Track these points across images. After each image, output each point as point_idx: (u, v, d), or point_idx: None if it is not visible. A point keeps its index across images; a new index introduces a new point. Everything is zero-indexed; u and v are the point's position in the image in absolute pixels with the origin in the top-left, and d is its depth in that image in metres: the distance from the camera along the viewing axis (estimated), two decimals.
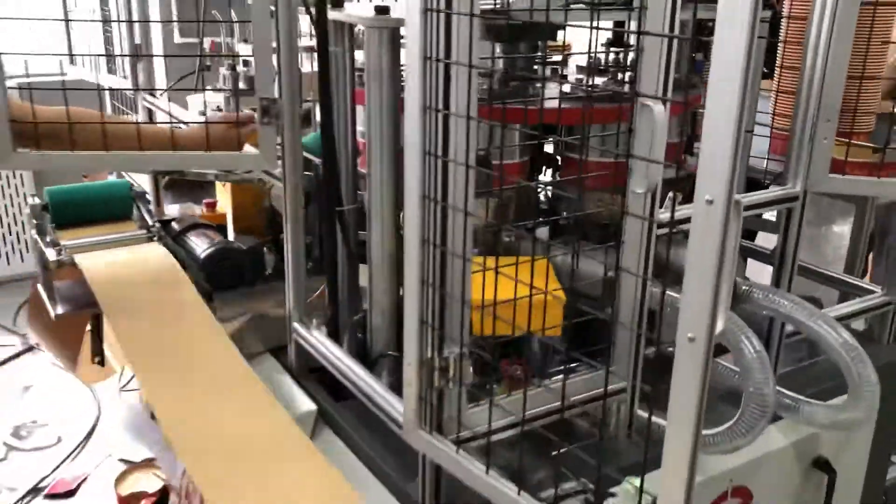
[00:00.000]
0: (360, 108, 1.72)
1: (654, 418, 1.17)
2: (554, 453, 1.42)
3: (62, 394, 3.45)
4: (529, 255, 1.20)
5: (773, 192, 1.64)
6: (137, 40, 2.57)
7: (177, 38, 3.39)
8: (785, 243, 1.67)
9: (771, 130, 2.18)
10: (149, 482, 2.78)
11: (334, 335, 1.74)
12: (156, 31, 3.04)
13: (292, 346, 1.79)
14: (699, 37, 1.95)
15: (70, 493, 2.87)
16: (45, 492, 2.86)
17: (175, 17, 3.37)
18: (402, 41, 1.54)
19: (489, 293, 1.21)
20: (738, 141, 0.81)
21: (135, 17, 2.55)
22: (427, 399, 1.27)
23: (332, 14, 1.62)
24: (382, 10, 1.51)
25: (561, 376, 1.43)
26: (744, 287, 1.61)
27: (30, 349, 3.87)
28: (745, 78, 0.78)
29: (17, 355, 3.82)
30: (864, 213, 2.13)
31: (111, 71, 2.85)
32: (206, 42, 2.89)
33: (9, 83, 1.58)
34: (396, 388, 1.55)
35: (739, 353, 1.46)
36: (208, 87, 2.43)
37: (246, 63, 2.67)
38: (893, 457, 2.74)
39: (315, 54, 1.65)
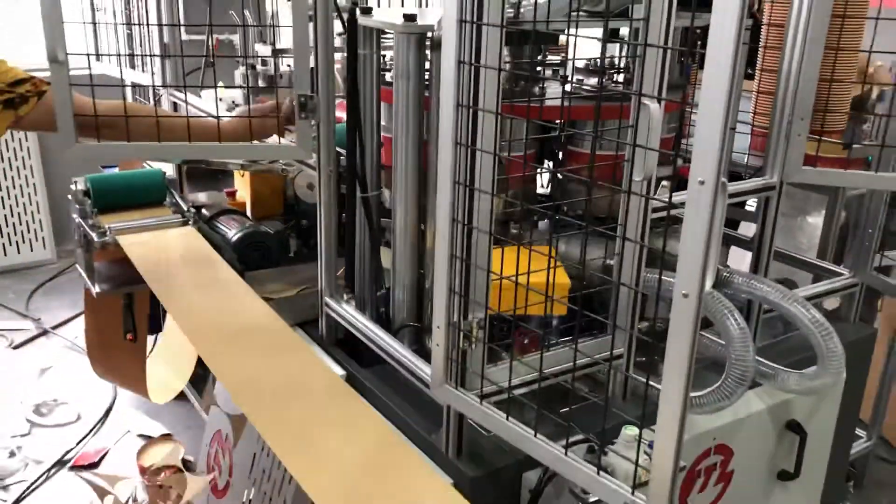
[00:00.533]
0: (382, 105, 1.91)
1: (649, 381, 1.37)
2: (563, 410, 1.64)
3: (79, 374, 3.63)
4: (536, 243, 1.39)
5: (753, 182, 1.85)
6: (166, 39, 2.74)
7: (184, 36, 3.56)
8: (763, 229, 1.87)
9: (752, 128, 2.39)
10: (169, 455, 2.97)
11: (359, 309, 1.93)
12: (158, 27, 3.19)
13: (323, 318, 1.98)
14: (693, 48, 2.15)
15: (94, 465, 3.05)
16: (70, 464, 3.04)
17: (182, 15, 3.53)
18: (426, 45, 1.73)
19: (506, 276, 1.41)
20: (726, 131, 1.00)
21: (163, 15, 2.72)
22: (453, 358, 1.47)
23: (362, 20, 1.81)
24: (410, 18, 1.70)
25: (569, 343, 1.63)
26: (725, 273, 1.82)
27: (44, 333, 4.04)
28: (733, 78, 0.97)
29: (33, 338, 3.99)
30: (836, 205, 2.34)
31: (133, 66, 3.01)
32: (213, 40, 3.07)
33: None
34: (419, 353, 1.75)
35: (724, 327, 1.67)
36: (237, 85, 2.60)
37: (264, 62, 2.86)
38: (860, 430, 2.98)
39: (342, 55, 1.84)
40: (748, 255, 2.14)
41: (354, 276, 1.97)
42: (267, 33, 2.84)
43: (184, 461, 2.93)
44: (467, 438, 1.60)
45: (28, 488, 2.89)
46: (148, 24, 2.72)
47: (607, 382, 1.71)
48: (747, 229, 2.59)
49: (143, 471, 2.92)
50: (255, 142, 1.86)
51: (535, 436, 1.36)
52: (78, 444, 3.16)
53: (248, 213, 2.65)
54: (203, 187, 2.89)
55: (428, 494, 1.33)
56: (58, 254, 4.84)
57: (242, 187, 2.76)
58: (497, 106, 1.32)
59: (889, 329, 2.84)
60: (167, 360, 2.94)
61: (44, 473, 2.97)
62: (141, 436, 3.18)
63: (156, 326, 2.75)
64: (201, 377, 3.23)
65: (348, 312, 1.89)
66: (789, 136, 1.78)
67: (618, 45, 2.10)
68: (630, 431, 1.46)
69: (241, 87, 2.80)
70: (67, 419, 3.33)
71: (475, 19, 1.30)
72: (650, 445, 1.25)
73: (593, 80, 2.04)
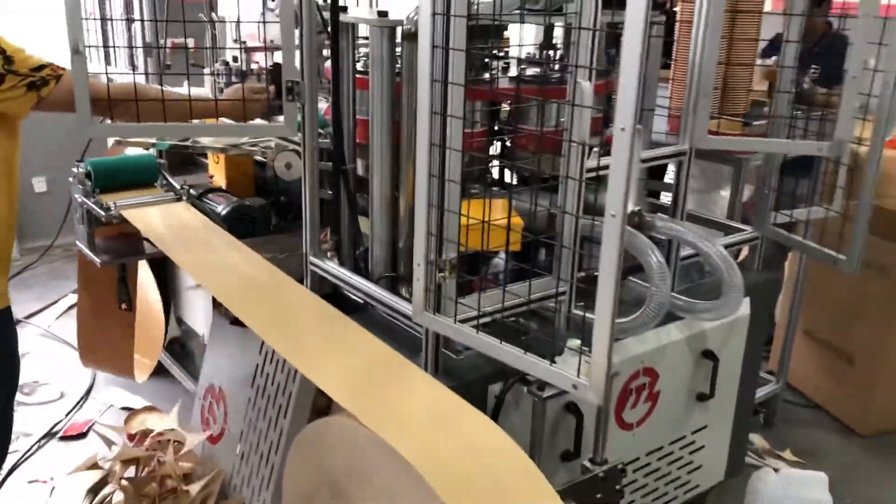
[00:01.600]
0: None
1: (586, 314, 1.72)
2: (524, 338, 1.98)
3: (57, 359, 3.85)
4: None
5: (669, 148, 2.24)
6: (148, 38, 3.02)
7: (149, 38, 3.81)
8: (678, 187, 2.26)
9: (668, 112, 2.79)
10: (154, 422, 3.22)
11: (341, 265, 2.25)
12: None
13: (308, 276, 2.29)
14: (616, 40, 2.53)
15: (82, 436, 3.28)
16: (59, 435, 3.27)
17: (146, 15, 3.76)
18: (396, 38, 2.06)
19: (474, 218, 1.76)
20: (639, 91, 1.37)
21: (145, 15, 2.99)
22: (431, 290, 1.80)
23: (343, 17, 2.13)
24: (383, 14, 2.03)
25: (525, 282, 1.98)
26: (648, 218, 2.19)
27: (17, 322, 4.20)
28: (644, 43, 1.33)
29: None
30: (740, 173, 2.76)
31: (108, 62, 3.28)
32: (170, 42, 3.34)
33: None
34: (398, 296, 2.07)
35: (646, 262, 2.03)
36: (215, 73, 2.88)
37: (235, 59, 3.15)
38: (769, 376, 3.43)
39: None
40: None
41: (339, 239, 2.29)
42: (237, 32, 3.12)
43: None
44: (441, 361, 1.94)
45: (21, 457, 3.10)
46: (134, 22, 2.98)
47: (553, 314, 2.06)
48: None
49: (130, 437, 3.16)
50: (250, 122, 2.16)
51: (501, 343, 1.70)
52: (66, 416, 3.38)
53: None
54: (182, 173, 3.16)
55: (420, 386, 1.65)
56: (21, 252, 5.00)
57: (217, 172, 3.05)
58: (465, 80, 1.66)
59: (792, 282, 3.29)
60: (138, 342, 3.19)
61: (35, 444, 3.19)
62: (124, 408, 3.41)
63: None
64: (182, 354, 3.50)
65: (332, 267, 2.20)
66: (696, 110, 2.18)
67: (554, 37, 2.47)
68: (574, 342, 1.82)
69: (223, 73, 3.07)
70: (51, 397, 3.54)
71: (445, 12, 1.64)
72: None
73: (534, 69, 2.41)
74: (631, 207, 1.45)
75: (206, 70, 3.28)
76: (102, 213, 2.38)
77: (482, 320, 1.84)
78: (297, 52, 2.10)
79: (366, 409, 1.56)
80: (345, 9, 2.16)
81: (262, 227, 2.57)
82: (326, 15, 2.13)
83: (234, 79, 3.05)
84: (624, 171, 1.40)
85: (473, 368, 1.95)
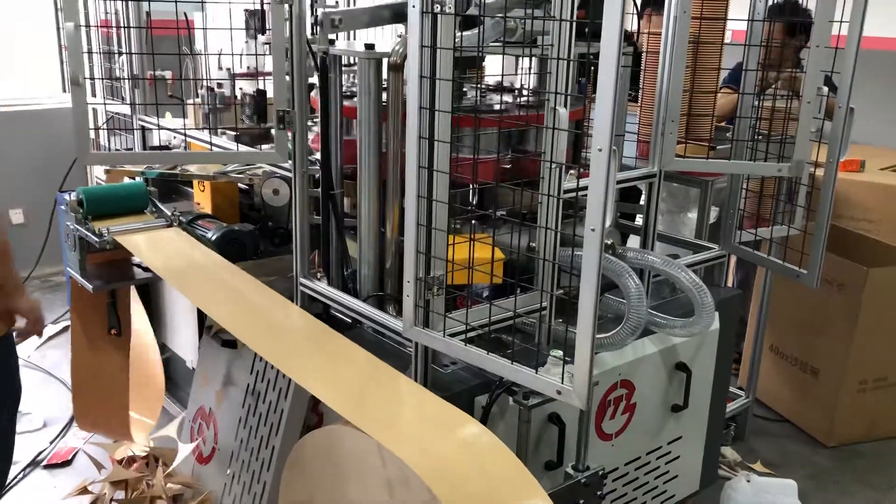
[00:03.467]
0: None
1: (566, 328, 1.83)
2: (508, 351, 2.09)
3: (39, 387, 3.86)
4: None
5: (640, 170, 2.37)
6: (135, 70, 3.11)
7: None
8: (648, 207, 2.39)
9: (637, 138, 2.94)
10: (138, 448, 3.25)
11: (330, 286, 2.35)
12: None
13: (298, 296, 2.37)
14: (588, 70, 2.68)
15: (66, 463, 3.30)
16: (44, 463, 3.28)
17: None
18: (383, 69, 2.18)
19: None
20: (615, 111, 1.49)
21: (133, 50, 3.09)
22: (420, 305, 1.90)
23: (333, 49, 2.24)
24: (370, 47, 2.15)
25: (508, 298, 2.08)
26: (621, 250, 2.32)
27: None
28: (618, 73, 1.46)
29: None
30: (706, 195, 2.91)
31: (113, 95, 3.37)
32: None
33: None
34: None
35: (624, 285, 2.16)
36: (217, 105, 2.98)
37: (220, 85, 3.26)
38: (739, 391, 3.56)
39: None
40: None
41: (328, 261, 2.38)
42: (222, 60, 3.23)
43: (150, 454, 3.21)
44: (430, 374, 2.03)
45: (6, 487, 3.11)
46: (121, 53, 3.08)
47: (536, 333, 2.17)
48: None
49: (114, 463, 3.18)
50: (241, 149, 2.26)
51: (487, 354, 1.80)
52: (50, 444, 3.39)
53: None
54: (167, 201, 3.24)
55: (410, 395, 1.75)
56: None
57: (203, 199, 3.13)
58: (451, 106, 1.78)
59: (759, 298, 3.43)
60: (135, 398, 3.17)
61: (20, 472, 3.20)
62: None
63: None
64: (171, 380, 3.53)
65: (322, 288, 2.29)
66: (664, 134, 2.32)
67: (528, 69, 2.61)
68: (557, 353, 1.93)
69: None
70: (34, 426, 3.55)
71: (432, 45, 1.76)
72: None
73: (507, 98, 2.54)
74: (609, 222, 1.56)
75: (190, 101, 3.38)
76: (96, 239, 2.45)
77: (469, 335, 1.95)
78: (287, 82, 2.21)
79: (360, 415, 1.65)
80: (332, 42, 2.27)
81: (250, 251, 2.66)
82: (315, 47, 2.24)
83: (219, 104, 3.15)
84: (601, 188, 1.52)
85: (460, 381, 2.04)
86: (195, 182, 3.10)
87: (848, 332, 3.43)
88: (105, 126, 3.47)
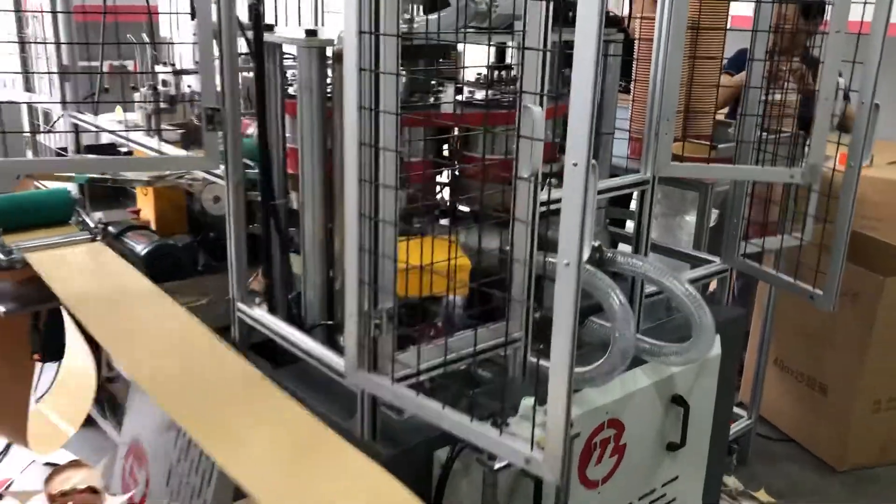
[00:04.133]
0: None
1: (542, 362, 1.52)
2: (474, 391, 1.77)
3: None
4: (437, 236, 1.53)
5: (630, 177, 2.05)
6: (65, 61, 2.77)
7: (79, 62, 3.59)
8: (640, 218, 2.07)
9: (629, 135, 2.62)
10: (81, 479, 2.93)
11: (272, 312, 2.02)
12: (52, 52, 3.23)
13: (235, 324, 2.05)
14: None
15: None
16: None
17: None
18: (327, 59, 1.85)
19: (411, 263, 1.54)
20: (593, 120, 1.17)
21: (61, 38, 2.75)
22: (365, 345, 1.58)
23: (267, 37, 1.92)
24: (312, 33, 1.82)
25: (471, 329, 1.77)
26: (609, 253, 2.00)
27: None
28: (596, 73, 1.14)
29: None
30: (706, 200, 2.59)
31: (29, 89, 3.02)
32: (106, 66, 3.10)
33: None
34: (333, 348, 1.85)
35: (608, 305, 1.84)
36: (139, 101, 2.65)
37: (165, 83, 2.91)
38: (741, 410, 3.25)
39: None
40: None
41: (268, 281, 2.06)
42: (168, 54, 2.89)
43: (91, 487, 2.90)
44: (380, 422, 1.71)
45: None
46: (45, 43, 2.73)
47: (506, 363, 1.85)
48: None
49: (50, 498, 2.87)
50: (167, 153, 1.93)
51: (444, 408, 1.49)
52: None
53: (153, 229, 2.70)
54: (106, 206, 2.91)
55: (350, 469, 1.42)
56: None
57: (146, 205, 2.80)
58: (397, 108, 1.45)
59: (762, 312, 3.12)
60: (59, 404, 2.87)
61: None
62: (48, 464, 3.12)
63: (57, 352, 2.74)
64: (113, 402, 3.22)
65: (260, 315, 1.97)
66: (658, 135, 1.99)
67: (506, 57, 2.28)
68: (528, 402, 1.61)
69: (148, 102, 2.82)
70: None
71: (373, 30, 1.44)
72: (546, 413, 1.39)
73: (482, 92, 2.21)
74: (586, 255, 1.25)
75: (138, 96, 3.04)
76: (3, 256, 2.12)
77: (431, 373, 1.63)
78: (217, 76, 1.88)
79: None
80: (270, 27, 1.94)
81: (187, 268, 2.33)
82: (250, 34, 1.91)
83: (162, 104, 2.82)
84: (577, 213, 1.20)
85: (417, 431, 1.73)
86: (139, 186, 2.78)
87: (861, 346, 3.13)
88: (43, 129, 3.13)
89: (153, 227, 2.71)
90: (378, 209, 1.51)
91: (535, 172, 1.65)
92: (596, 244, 2.02)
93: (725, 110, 3.47)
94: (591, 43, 1.14)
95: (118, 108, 3.25)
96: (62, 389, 2.89)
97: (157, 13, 3.29)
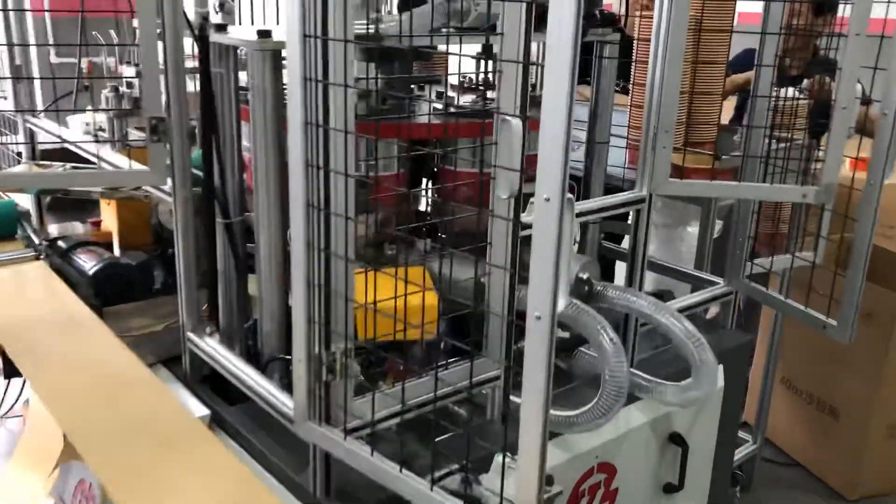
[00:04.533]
0: (245, 126, 1.82)
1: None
2: (438, 438, 1.57)
3: None
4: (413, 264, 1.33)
5: (624, 196, 1.84)
6: (18, 61, 2.57)
7: (53, 59, 3.39)
8: (636, 240, 1.87)
9: (627, 142, 2.41)
10: None
11: (226, 343, 1.82)
12: (31, 50, 3.04)
13: (186, 354, 1.86)
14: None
15: None
16: None
17: (51, 37, 3.36)
18: (283, 62, 1.65)
19: (371, 299, 1.34)
20: (568, 147, 0.97)
21: (14, 36, 2.55)
22: (316, 393, 1.38)
23: (216, 37, 1.72)
24: (264, 34, 1.61)
25: (439, 367, 1.57)
26: (599, 287, 1.80)
27: None
28: (571, 93, 0.94)
29: None
30: (709, 215, 2.38)
31: None
32: (84, 63, 2.90)
33: None
34: (289, 388, 1.65)
35: (598, 344, 1.64)
36: (90, 108, 2.45)
37: (129, 85, 2.70)
38: (745, 434, 3.04)
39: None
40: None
41: (219, 308, 1.86)
42: (134, 53, 2.69)
43: None
44: (337, 475, 1.52)
45: None
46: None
47: (488, 405, 1.66)
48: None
49: None
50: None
51: (401, 471, 1.29)
52: None
53: (115, 243, 2.50)
54: (68, 217, 2.71)
55: None
56: None
57: (109, 216, 2.60)
58: (346, 124, 1.25)
59: (768, 333, 2.91)
60: (27, 462, 2.66)
61: None
62: None
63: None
64: None
65: (210, 347, 1.77)
66: (655, 148, 1.79)
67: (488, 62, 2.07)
68: (499, 459, 1.41)
69: (105, 109, 2.62)
70: None
71: (320, 34, 1.23)
72: None
73: (467, 98, 2.01)
74: (562, 305, 1.04)
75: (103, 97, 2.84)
76: None
77: (389, 421, 1.44)
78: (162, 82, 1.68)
79: None
80: (223, 26, 1.74)
81: (140, 288, 2.13)
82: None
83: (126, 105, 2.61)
84: (550, 259, 1.00)
85: (377, 488, 1.52)
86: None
87: (875, 368, 2.91)
88: None
89: (116, 239, 2.52)
90: (329, 240, 1.32)
91: (515, 193, 1.46)
92: (584, 276, 1.82)
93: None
94: (566, 52, 0.94)
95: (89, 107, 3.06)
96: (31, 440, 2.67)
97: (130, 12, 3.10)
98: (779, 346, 2.85)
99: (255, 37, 1.62)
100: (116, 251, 2.45)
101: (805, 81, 2.37)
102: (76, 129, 2.70)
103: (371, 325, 1.40)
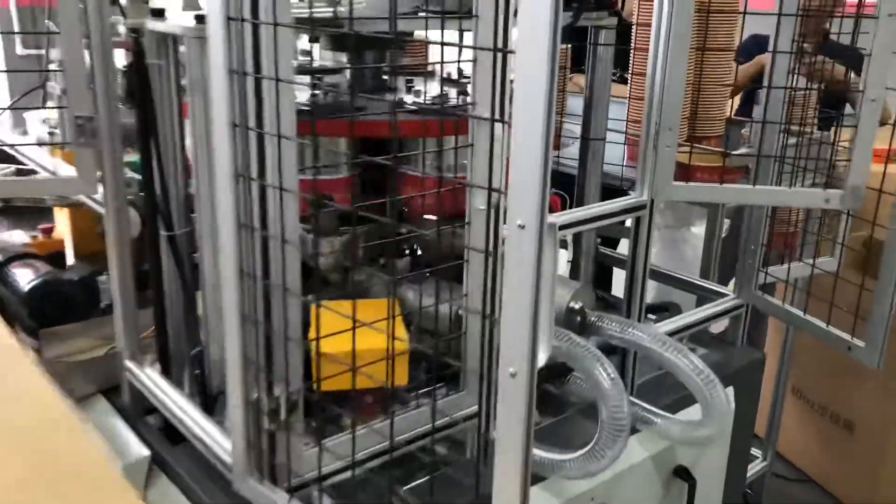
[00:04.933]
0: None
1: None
2: (407, 487, 1.36)
3: None
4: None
5: (621, 202, 1.61)
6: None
7: (19, 50, 3.17)
8: (635, 251, 1.65)
9: (626, 137, 2.19)
10: None
11: (169, 372, 1.60)
12: None
13: (125, 385, 1.64)
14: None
15: None
16: None
17: (16, 27, 3.15)
18: None
19: (334, 344, 1.12)
20: (547, 161, 0.75)
21: None
22: (256, 444, 1.17)
23: (153, 25, 1.49)
24: (203, 20, 1.39)
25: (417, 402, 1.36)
26: (592, 318, 1.58)
27: None
28: (550, 96, 0.72)
29: None
30: (716, 219, 2.16)
31: None
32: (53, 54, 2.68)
33: None
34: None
35: (594, 380, 1.43)
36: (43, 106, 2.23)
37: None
38: (755, 450, 2.82)
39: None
40: None
41: (165, 333, 1.64)
42: None
43: None
44: None
45: None
46: None
47: (468, 443, 1.44)
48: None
49: None
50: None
51: None
52: None
53: (69, 253, 2.28)
54: (23, 224, 2.48)
55: None
56: None
57: (62, 221, 2.38)
58: (278, 128, 1.02)
59: (778, 345, 2.69)
60: None
61: None
62: None
63: None
64: None
65: (149, 378, 1.55)
66: (657, 148, 1.56)
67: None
68: None
69: (58, 107, 2.40)
70: None
71: (250, 16, 1.01)
72: None
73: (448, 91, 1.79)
74: (544, 357, 0.83)
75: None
76: None
77: (339, 476, 1.22)
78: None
79: None
80: (160, 11, 1.51)
81: (83, 307, 1.90)
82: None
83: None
84: (527, 302, 0.77)
85: None
86: None
87: (893, 378, 2.70)
88: None
89: (69, 246, 2.29)
90: (268, 266, 1.10)
91: (496, 204, 1.24)
92: (576, 306, 1.61)
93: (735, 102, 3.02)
94: (543, 41, 0.72)
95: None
96: None
97: None
98: (790, 359, 2.63)
99: (192, 23, 1.40)
100: (70, 261, 2.23)
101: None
102: (35, 127, 2.48)
103: (326, 370, 1.19)
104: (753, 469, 2.78)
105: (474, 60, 1.23)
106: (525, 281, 0.76)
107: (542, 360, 0.81)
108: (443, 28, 1.14)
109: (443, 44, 1.09)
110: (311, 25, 1.28)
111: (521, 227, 0.76)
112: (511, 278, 0.78)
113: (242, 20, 1.00)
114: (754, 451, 2.85)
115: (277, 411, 1.16)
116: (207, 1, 1.03)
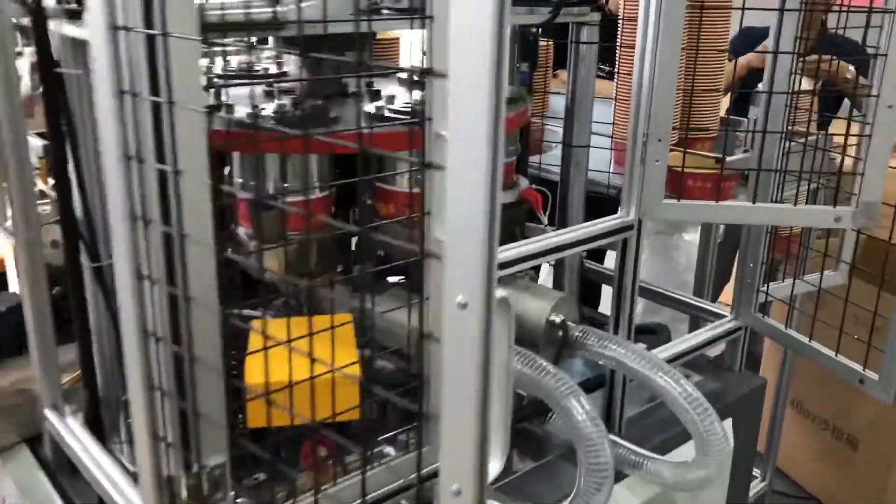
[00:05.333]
0: None
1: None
2: None
3: None
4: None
5: (605, 222, 1.43)
6: None
7: None
8: (622, 271, 1.46)
9: (612, 141, 2.02)
10: None
11: (95, 424, 1.41)
12: None
13: (47, 437, 1.45)
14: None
15: None
16: None
17: None
18: None
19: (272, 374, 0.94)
20: (494, 217, 0.56)
21: None
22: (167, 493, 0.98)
23: (69, 30, 1.30)
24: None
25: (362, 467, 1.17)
26: (575, 333, 1.40)
27: None
28: (495, 147, 0.53)
29: None
30: (710, 230, 1.98)
31: None
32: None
33: None
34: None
35: (568, 415, 1.25)
36: None
37: None
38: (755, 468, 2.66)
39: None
40: None
41: (92, 377, 1.45)
42: None
43: None
44: None
45: None
46: None
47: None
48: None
49: None
50: None
51: None
52: None
53: (13, 277, 2.08)
54: None
55: None
56: None
57: (4, 245, 2.18)
58: (175, 160, 0.83)
59: (776, 364, 2.52)
60: None
61: None
62: None
63: None
64: None
65: (68, 430, 1.36)
66: (645, 161, 1.38)
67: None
68: None
69: None
70: None
71: (142, 25, 0.82)
72: None
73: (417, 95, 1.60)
74: (496, 471, 0.65)
75: None
76: None
77: None
78: None
79: None
80: (77, 13, 1.31)
81: (9, 343, 1.71)
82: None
83: None
84: (472, 406, 0.59)
85: None
86: None
87: None
88: None
89: (13, 273, 2.10)
90: (179, 328, 0.91)
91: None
92: (557, 320, 1.42)
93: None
94: (484, 45, 0.53)
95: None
96: None
97: None
98: (790, 377, 2.46)
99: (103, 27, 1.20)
100: (13, 287, 2.04)
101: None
102: None
103: (262, 414, 1.01)
104: (753, 490, 2.62)
105: (430, 69, 1.04)
106: (468, 378, 0.58)
107: (493, 472, 0.63)
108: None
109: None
110: (222, 29, 1.08)
111: (463, 305, 0.58)
112: (451, 373, 0.59)
113: (128, 30, 0.81)
114: (754, 470, 2.69)
115: (199, 485, 0.97)
116: (88, 4, 0.83)
